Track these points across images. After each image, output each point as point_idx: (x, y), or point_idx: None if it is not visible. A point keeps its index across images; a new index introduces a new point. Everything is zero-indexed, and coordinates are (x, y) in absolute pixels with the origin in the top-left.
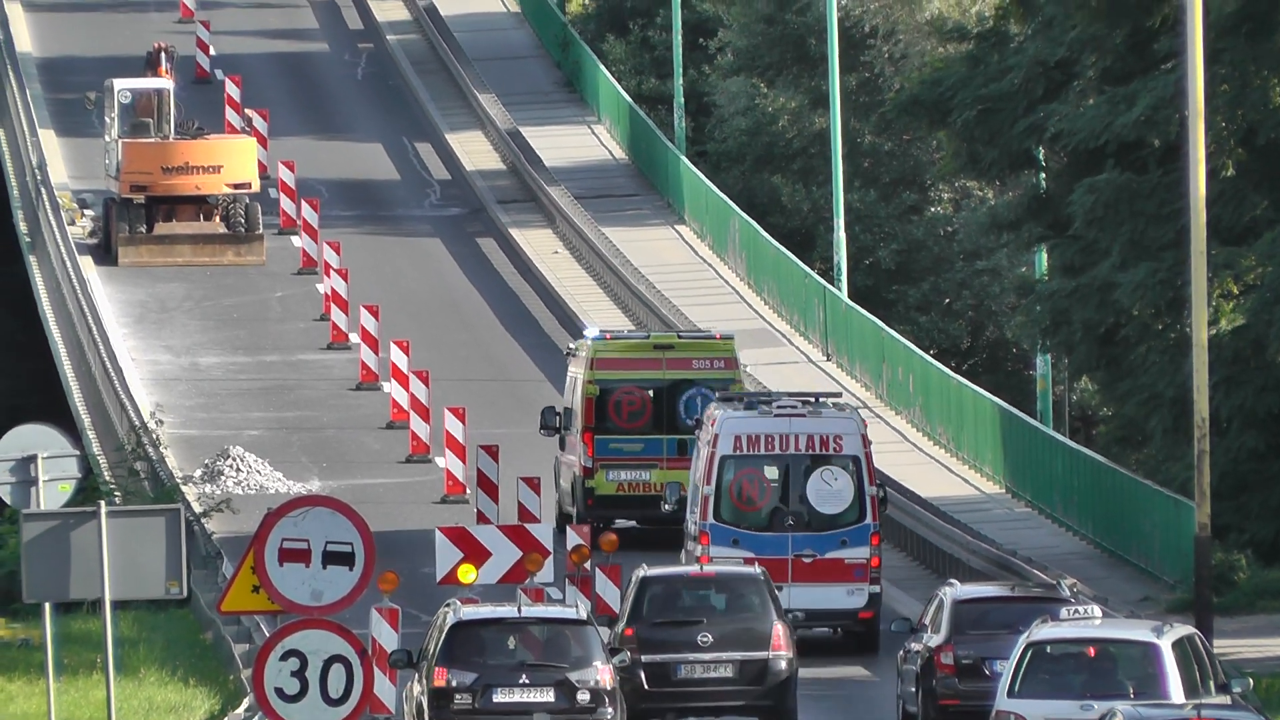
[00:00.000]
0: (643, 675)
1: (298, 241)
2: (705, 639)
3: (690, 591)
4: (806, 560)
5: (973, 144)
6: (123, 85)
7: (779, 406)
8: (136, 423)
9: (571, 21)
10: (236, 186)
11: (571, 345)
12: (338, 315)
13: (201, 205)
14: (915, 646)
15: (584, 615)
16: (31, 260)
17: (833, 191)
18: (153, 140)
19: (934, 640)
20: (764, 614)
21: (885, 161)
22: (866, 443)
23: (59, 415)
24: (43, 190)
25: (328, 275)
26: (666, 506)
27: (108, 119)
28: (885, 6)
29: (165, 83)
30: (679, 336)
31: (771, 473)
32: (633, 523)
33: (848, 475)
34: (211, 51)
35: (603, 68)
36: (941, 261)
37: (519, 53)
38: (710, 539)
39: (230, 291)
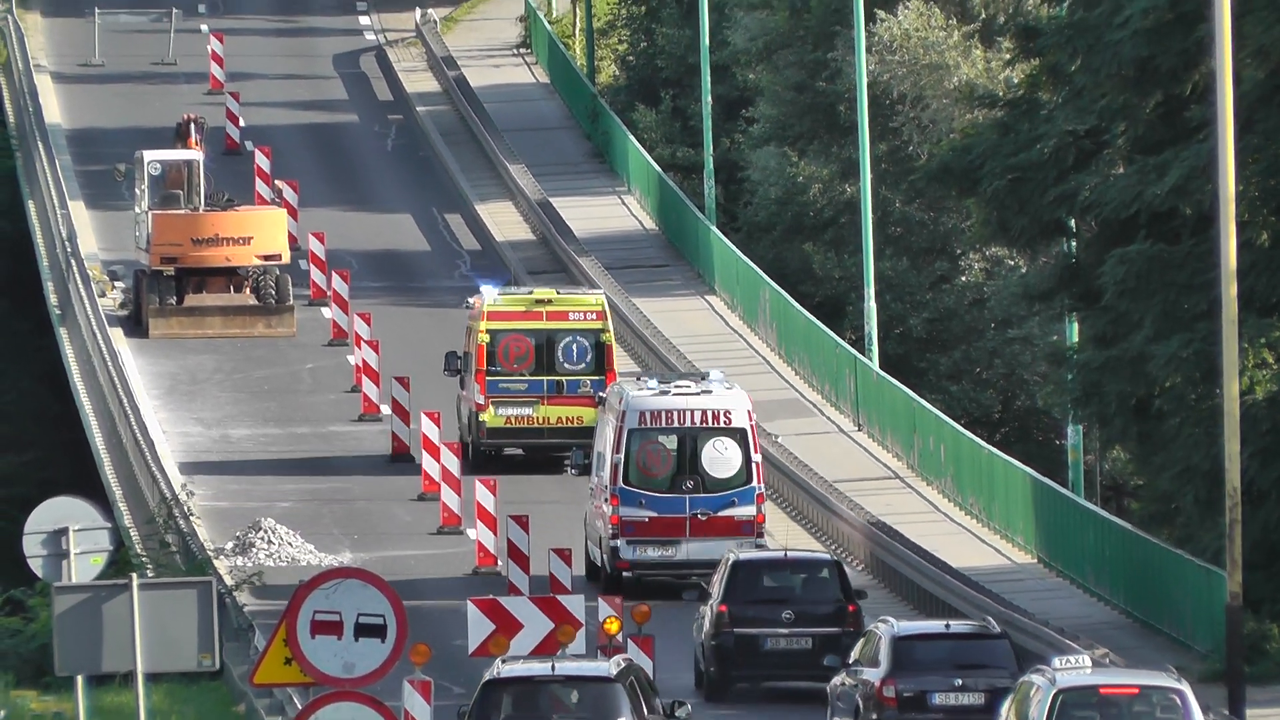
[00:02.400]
0: (734, 647)
1: (328, 313)
2: (788, 615)
3: (773, 574)
4: (701, 518)
5: (1003, 212)
6: (152, 157)
7: (677, 387)
8: (168, 495)
9: (601, 92)
10: (267, 258)
11: (470, 300)
12: (369, 387)
13: (232, 277)
14: (849, 681)
15: (613, 673)
16: (62, 332)
17: (863, 260)
18: (183, 212)
19: (874, 675)
20: (837, 594)
21: (916, 230)
22: (751, 416)
23: (90, 487)
24: (73, 262)
25: (358, 347)
26: (571, 471)
27: (138, 191)
28: (913, 73)
29: (195, 154)
30: (557, 293)
31: (671, 443)
32: (519, 450)
33: (736, 444)
34: (241, 123)
35: (632, 138)
36: (972, 330)
37: (549, 123)
38: (620, 500)
39: (261, 363)
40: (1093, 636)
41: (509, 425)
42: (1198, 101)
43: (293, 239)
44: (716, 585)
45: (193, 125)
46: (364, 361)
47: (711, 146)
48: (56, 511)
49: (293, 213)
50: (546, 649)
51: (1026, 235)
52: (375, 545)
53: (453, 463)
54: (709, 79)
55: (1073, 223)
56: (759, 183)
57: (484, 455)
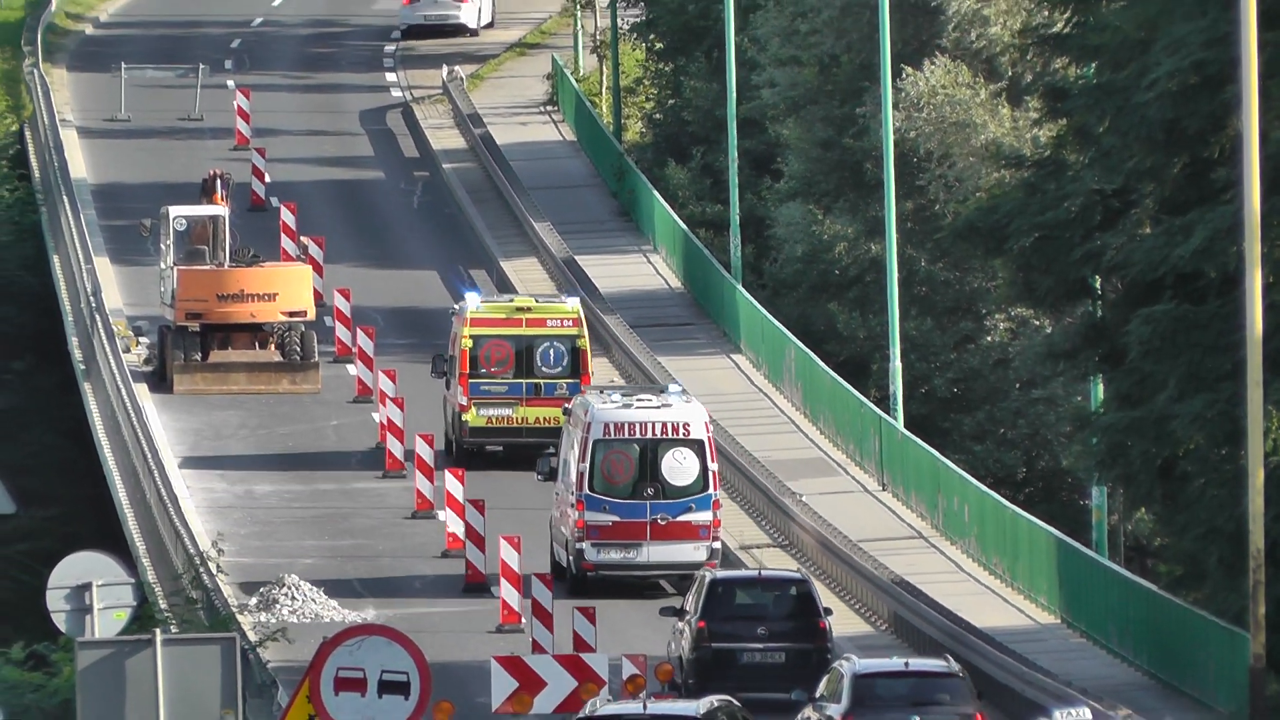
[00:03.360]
0: (712, 661)
1: (353, 370)
2: (763, 631)
3: (748, 592)
4: (661, 523)
5: (1029, 272)
6: (178, 212)
7: (638, 400)
8: (192, 550)
9: (628, 150)
10: (292, 314)
11: (455, 307)
12: (393, 444)
13: (257, 333)
14: (814, 715)
15: (701, 713)
16: (86, 387)
17: (888, 320)
18: (208, 267)
19: (836, 710)
20: (811, 612)
21: (941, 289)
22: (708, 428)
23: (114, 542)
24: (97, 317)
25: (383, 404)
26: (538, 477)
27: (163, 246)
28: (940, 130)
29: (221, 210)
30: (536, 301)
31: (633, 453)
32: (499, 448)
33: (694, 454)
34: (267, 178)
35: (658, 196)
36: (997, 390)
37: (575, 181)
38: (585, 506)
39: (285, 419)
40: (1115, 698)
41: (490, 425)
42: (1224, 163)
43: (318, 295)
44: (694, 602)
45: (218, 181)
46: (388, 419)
47: (738, 203)
48: (80, 566)
49: (318, 269)
50: (570, 707)
51: (1052, 295)
52: (399, 602)
53: (477, 520)
54: (735, 136)
55: (1098, 283)
56: (784, 239)
57: (466, 452)
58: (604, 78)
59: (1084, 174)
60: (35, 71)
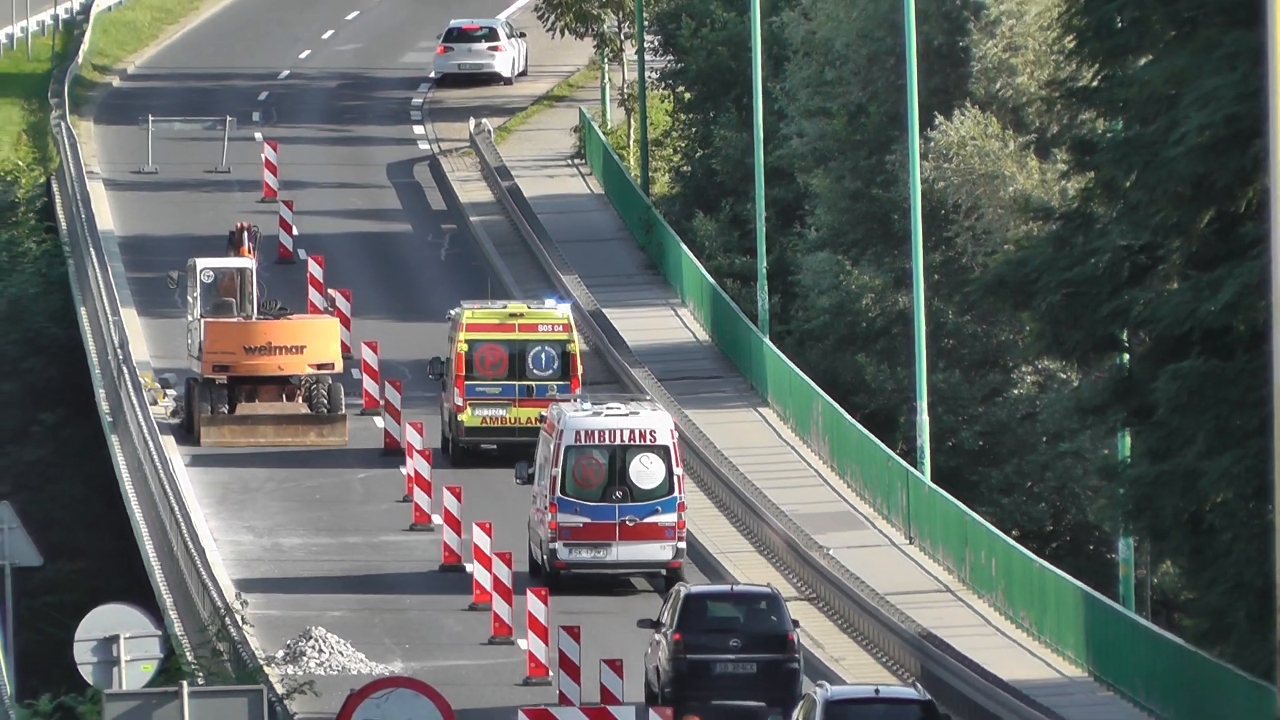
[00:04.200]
0: (687, 672)
1: (380, 422)
2: (735, 643)
3: (721, 606)
4: (629, 524)
5: (1057, 326)
6: (205, 264)
7: (608, 409)
8: (219, 603)
9: (655, 203)
10: (319, 367)
11: (451, 312)
12: (421, 497)
13: (284, 386)
14: None
15: None
16: (114, 440)
17: (916, 373)
18: (235, 320)
19: None
20: (780, 624)
21: (968, 342)
22: (674, 435)
23: (141, 595)
24: (124, 370)
25: (410, 457)
26: (517, 481)
27: (190, 298)
28: (969, 182)
29: (248, 262)
30: (528, 308)
31: (603, 458)
32: (494, 446)
33: (660, 459)
34: (294, 231)
35: (686, 249)
36: (1024, 444)
37: (602, 234)
38: (558, 508)
39: (313, 472)
40: None
41: (485, 425)
42: (1252, 218)
43: (345, 348)
44: (669, 616)
45: (246, 233)
46: (416, 471)
47: (766, 255)
48: (107, 619)
49: (345, 322)
50: None
51: (1080, 349)
52: (426, 655)
53: (504, 573)
54: (763, 188)
55: (1126, 337)
56: (810, 287)
57: (462, 450)
58: (631, 131)
59: (1112, 228)
60: (62, 124)
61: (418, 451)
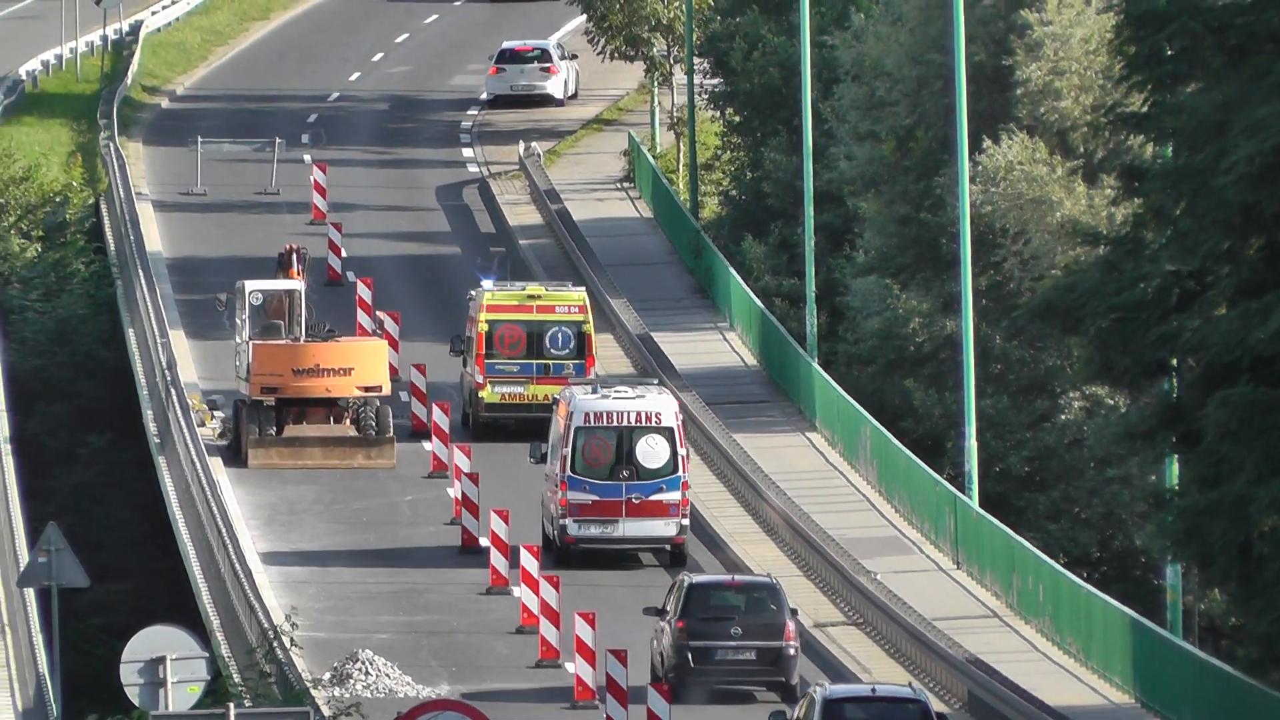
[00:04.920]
0: (690, 657)
1: (428, 445)
2: (736, 631)
3: (722, 595)
4: (635, 501)
5: (1106, 352)
6: (254, 286)
7: (616, 392)
8: (266, 625)
9: (704, 227)
10: (367, 389)
11: (472, 293)
12: (468, 520)
13: (332, 408)
14: None
15: None
16: (161, 462)
17: (964, 398)
18: (284, 342)
19: None
20: (778, 612)
21: (1016, 368)
22: (678, 417)
23: (188, 616)
24: (173, 392)
25: (458, 480)
26: (531, 460)
27: (238, 320)
28: (1016, 207)
29: (297, 284)
30: (545, 289)
31: (611, 439)
32: (511, 421)
33: (664, 440)
34: (343, 253)
35: (734, 273)
36: (1072, 469)
37: (651, 258)
38: (568, 486)
39: (360, 495)
40: None
41: (504, 401)
42: None
43: (393, 370)
44: (673, 604)
45: (295, 255)
46: (464, 494)
47: (814, 278)
48: (154, 640)
49: (394, 344)
50: None
51: (1129, 375)
52: (473, 678)
53: (551, 595)
54: (812, 213)
55: (1175, 363)
56: (858, 309)
57: (482, 425)
58: (681, 155)
59: (1161, 254)
60: (111, 145)
61: (465, 474)
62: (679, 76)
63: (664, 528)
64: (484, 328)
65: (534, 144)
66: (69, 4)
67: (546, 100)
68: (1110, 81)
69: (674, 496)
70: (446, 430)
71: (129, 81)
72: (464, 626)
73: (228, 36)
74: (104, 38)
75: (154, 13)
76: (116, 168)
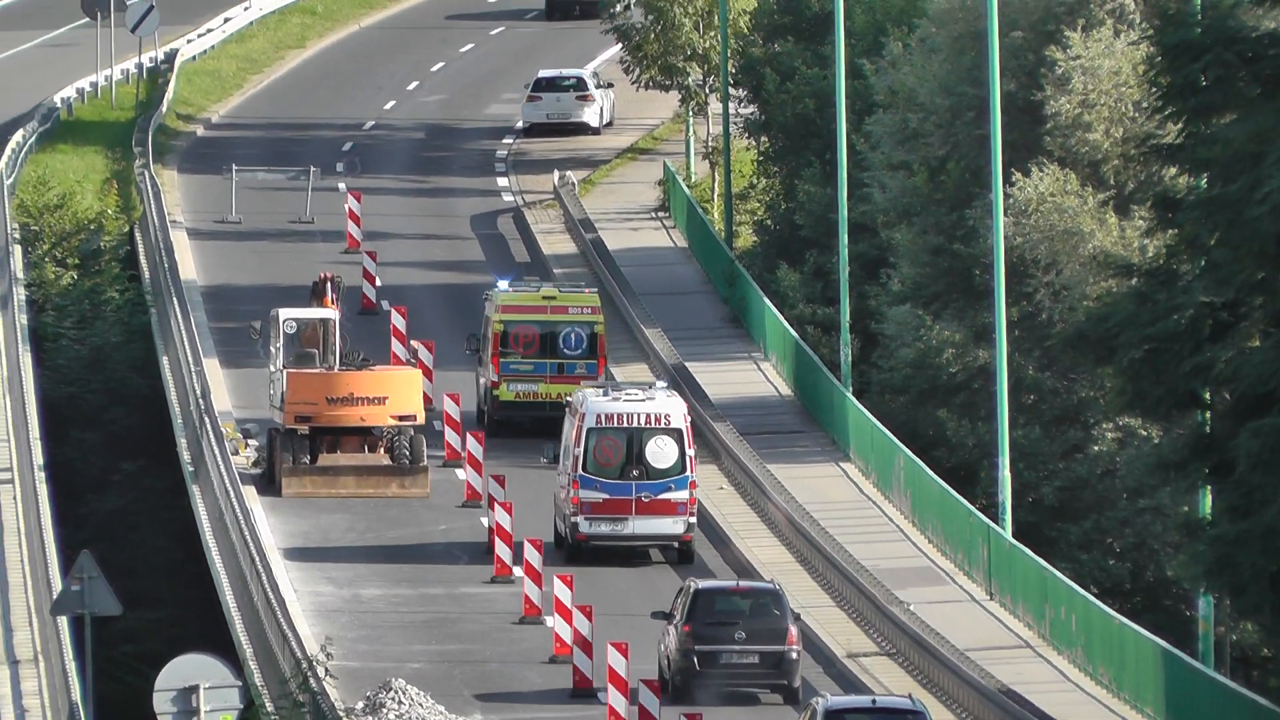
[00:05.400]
0: (696, 661)
1: (462, 474)
2: (740, 635)
3: (727, 600)
4: (645, 500)
5: (1139, 382)
6: (288, 315)
7: (626, 394)
8: (299, 654)
9: (739, 256)
10: (401, 418)
11: (488, 293)
12: (502, 549)
13: (366, 437)
14: None
15: None
16: (195, 490)
17: (997, 428)
18: (318, 371)
19: None
20: (781, 617)
21: (1048, 398)
22: (687, 418)
23: (221, 645)
24: (206, 420)
25: (492, 509)
26: (543, 460)
27: (272, 349)
28: (1048, 239)
29: (331, 313)
30: (559, 290)
31: (621, 439)
32: (526, 418)
33: (673, 441)
34: (378, 282)
35: (769, 303)
36: (1104, 500)
37: (686, 287)
38: (580, 485)
39: (393, 524)
40: None
41: (518, 399)
42: None
43: (428, 400)
44: (680, 609)
45: (329, 284)
46: (497, 524)
47: (849, 309)
48: (187, 669)
49: (428, 373)
50: None
51: (1162, 406)
52: (506, 708)
53: (584, 625)
54: (846, 244)
55: (1207, 394)
56: (892, 337)
57: (497, 423)
58: (715, 184)
59: (1194, 285)
60: (146, 173)
61: (499, 504)
62: (714, 106)
63: (672, 525)
64: (499, 327)
65: (569, 173)
66: (104, 32)
67: (582, 129)
68: (1143, 113)
69: (682, 495)
70: (480, 459)
71: (164, 109)
72: (497, 656)
73: (263, 65)
74: (139, 65)
75: (189, 40)
76: (151, 195)
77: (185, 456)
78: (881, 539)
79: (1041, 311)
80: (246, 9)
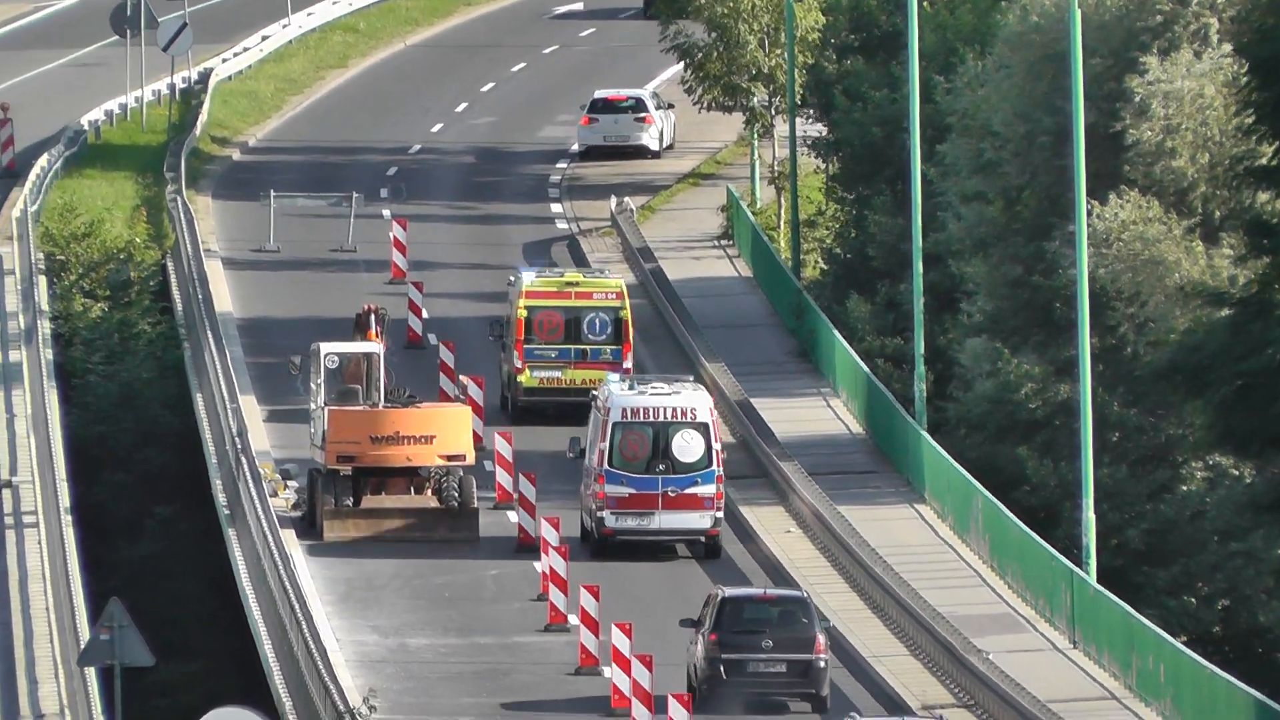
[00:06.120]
0: (722, 669)
1: (514, 517)
2: (767, 644)
3: (755, 608)
4: (671, 495)
5: (1231, 418)
6: (329, 349)
7: (652, 388)
8: (341, 707)
9: (807, 287)
10: (450, 458)
11: (511, 279)
12: (556, 595)
13: (413, 478)
14: None
15: None
16: (231, 534)
17: (1080, 467)
18: (361, 408)
19: None
20: (809, 626)
21: (1134, 436)
22: (713, 413)
23: (259, 698)
24: (243, 460)
25: (546, 553)
26: (570, 455)
27: (313, 385)
28: (1131, 269)
29: (375, 347)
30: (583, 276)
31: (647, 434)
32: (549, 405)
33: (699, 435)
34: (424, 314)
35: (838, 336)
36: (1193, 543)
37: (750, 319)
38: (605, 480)
39: (442, 569)
40: None
41: (542, 386)
42: None
43: (478, 439)
44: (707, 617)
45: (373, 316)
46: (551, 569)
47: (923, 344)
48: None
49: (478, 411)
50: None
51: (1255, 443)
52: None
53: (644, 676)
54: (921, 276)
55: None
56: (968, 368)
57: (520, 409)
58: (782, 210)
59: None
60: (179, 199)
61: (554, 548)
62: (780, 128)
63: (699, 520)
64: (523, 313)
65: (627, 199)
66: (134, 51)
67: (641, 152)
68: (1230, 136)
69: (708, 490)
70: (533, 501)
71: (198, 132)
72: (551, 707)
73: (303, 85)
74: (171, 86)
75: (224, 60)
76: (184, 223)
77: (221, 499)
78: (958, 584)
79: (1125, 345)
80: (285, 26)
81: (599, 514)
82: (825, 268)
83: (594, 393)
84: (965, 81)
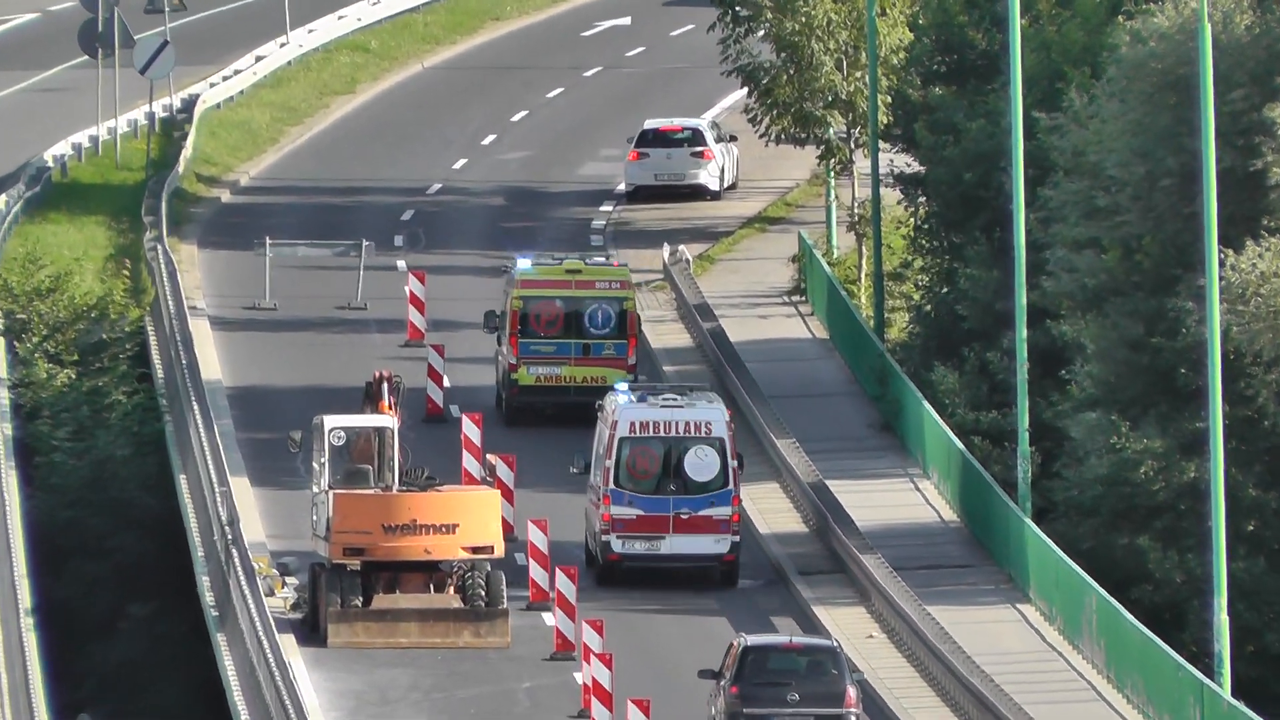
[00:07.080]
0: None
1: (550, 619)
2: (793, 697)
3: (780, 658)
4: (684, 517)
5: None
6: (335, 423)
7: (664, 399)
8: None
9: (892, 350)
10: (475, 550)
11: (507, 266)
12: (599, 711)
13: (432, 574)
14: None
15: None
16: (220, 638)
17: (1212, 560)
18: (372, 492)
19: None
20: (839, 678)
21: (1273, 523)
22: (730, 427)
23: None
24: (234, 552)
25: (587, 662)
26: (574, 470)
27: (316, 465)
28: (1270, 328)
29: (388, 420)
30: (585, 263)
31: (658, 450)
32: (548, 405)
33: (715, 452)
34: (446, 382)
35: (929, 408)
36: None
37: (826, 388)
38: (611, 500)
39: (466, 680)
40: None
41: (539, 384)
42: None
43: (507, 527)
44: (728, 667)
45: (385, 385)
46: (594, 680)
47: (1027, 418)
48: None
49: (507, 495)
50: None
51: None
52: None
53: None
54: (1024, 335)
55: None
56: (1079, 444)
57: (516, 410)
58: (863, 261)
59: None
60: (159, 248)
61: (595, 655)
62: (861, 163)
63: (714, 545)
64: (518, 304)
65: (682, 247)
66: (107, 73)
67: (698, 192)
68: None
69: (724, 512)
70: (573, 601)
71: (181, 169)
72: None
73: (304, 114)
74: (150, 115)
75: (212, 85)
76: (165, 276)
77: (208, 597)
78: (1070, 698)
79: (1264, 417)
80: (283, 46)
81: (604, 538)
82: (914, 328)
83: (599, 403)
84: (1071, 116)
